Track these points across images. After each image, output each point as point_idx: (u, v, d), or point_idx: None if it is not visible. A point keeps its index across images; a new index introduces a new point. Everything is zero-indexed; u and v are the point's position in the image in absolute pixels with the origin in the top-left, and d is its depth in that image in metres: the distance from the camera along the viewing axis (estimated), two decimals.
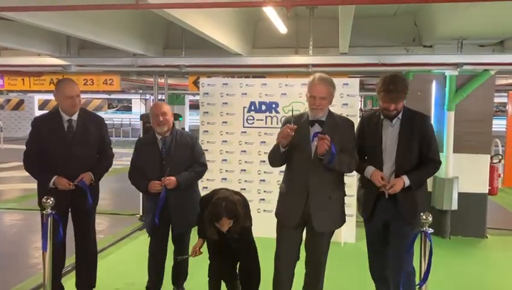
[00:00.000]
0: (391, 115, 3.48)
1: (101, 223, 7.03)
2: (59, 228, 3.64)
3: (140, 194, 7.05)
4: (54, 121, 3.87)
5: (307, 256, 3.53)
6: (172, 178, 3.84)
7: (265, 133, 6.27)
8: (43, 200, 3.55)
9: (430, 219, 3.18)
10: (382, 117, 3.54)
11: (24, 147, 3.92)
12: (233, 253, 3.76)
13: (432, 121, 6.42)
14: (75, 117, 3.88)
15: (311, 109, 3.45)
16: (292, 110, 3.61)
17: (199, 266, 4.05)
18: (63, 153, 3.78)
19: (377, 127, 3.54)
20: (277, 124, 6.22)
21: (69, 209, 3.98)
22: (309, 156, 3.39)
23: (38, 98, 23.90)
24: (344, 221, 3.61)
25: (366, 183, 3.59)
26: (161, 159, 3.94)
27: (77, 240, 4.07)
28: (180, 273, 4.29)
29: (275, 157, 3.50)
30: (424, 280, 3.20)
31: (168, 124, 3.97)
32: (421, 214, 3.21)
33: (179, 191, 3.89)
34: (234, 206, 3.42)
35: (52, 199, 3.54)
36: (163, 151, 3.96)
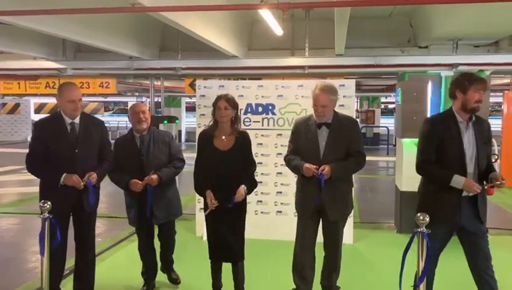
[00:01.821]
0: (478, 109, 3.49)
1: (98, 227, 6.95)
2: (56, 232, 3.62)
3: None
4: (57, 124, 3.92)
5: (324, 241, 3.99)
6: (155, 176, 4.11)
7: (262, 135, 6.27)
8: (40, 204, 3.54)
9: (427, 219, 3.19)
10: (460, 120, 3.52)
11: (21, 150, 3.93)
12: (230, 216, 3.83)
13: None
14: (77, 120, 3.94)
15: (315, 115, 3.85)
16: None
17: (204, 265, 4.10)
18: (69, 155, 3.83)
19: (456, 131, 3.50)
20: (274, 125, 6.23)
21: (71, 212, 3.98)
22: (318, 157, 3.79)
23: (34, 101, 23.82)
24: (352, 207, 4.14)
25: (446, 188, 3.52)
26: (140, 156, 4.22)
27: (78, 243, 4.06)
28: (167, 261, 4.61)
29: (293, 171, 4.06)
30: (421, 280, 3.21)
31: (147, 122, 4.26)
32: (418, 214, 3.22)
33: (161, 186, 4.19)
34: (233, 97, 3.89)
35: (49, 202, 3.53)
36: (142, 148, 4.23)
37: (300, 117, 4.15)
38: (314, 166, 3.71)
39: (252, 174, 3.98)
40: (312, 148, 3.83)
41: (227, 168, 3.78)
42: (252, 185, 3.94)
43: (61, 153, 3.84)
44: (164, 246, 4.54)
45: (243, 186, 3.79)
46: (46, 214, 3.54)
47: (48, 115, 4.22)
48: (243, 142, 3.89)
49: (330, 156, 3.79)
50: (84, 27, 5.54)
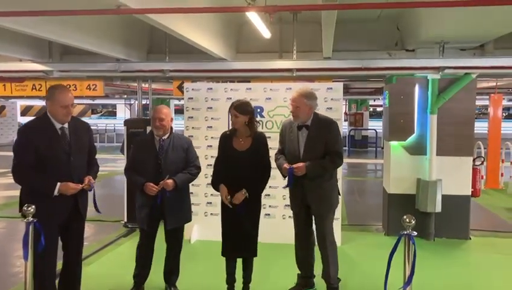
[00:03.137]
0: None
1: (85, 230, 6.95)
2: (41, 236, 3.56)
3: (125, 200, 7.03)
4: (47, 130, 3.69)
5: (316, 235, 4.41)
6: (170, 181, 4.15)
7: None
8: (24, 208, 3.48)
9: (414, 222, 3.21)
10: None
11: (7, 153, 3.84)
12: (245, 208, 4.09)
13: (415, 125, 6.52)
14: (66, 125, 3.76)
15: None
16: None
17: (191, 267, 4.10)
18: (64, 162, 3.67)
19: None
20: (262, 128, 6.22)
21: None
22: (298, 156, 4.21)
23: (20, 103, 23.59)
24: (338, 202, 4.46)
25: None
26: (157, 159, 4.24)
27: (68, 251, 3.91)
28: (172, 273, 4.53)
29: (279, 170, 4.40)
30: (408, 282, 3.22)
31: (164, 128, 4.26)
32: (404, 217, 3.23)
33: (176, 191, 4.21)
34: (245, 103, 4.16)
35: (33, 206, 3.47)
36: (161, 152, 4.25)
37: (286, 119, 4.53)
38: (288, 165, 4.16)
39: (259, 177, 4.18)
40: (293, 148, 4.28)
41: (244, 167, 4.09)
42: (258, 188, 4.19)
43: (55, 161, 3.65)
44: (171, 250, 4.49)
45: (243, 191, 4.05)
46: (30, 218, 3.49)
47: (33, 118, 3.93)
48: (259, 142, 4.20)
49: (308, 156, 4.18)
50: (71, 29, 5.48)
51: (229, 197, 4.07)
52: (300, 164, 4.11)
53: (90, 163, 3.96)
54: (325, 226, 4.32)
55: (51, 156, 3.64)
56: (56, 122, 3.72)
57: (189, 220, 4.54)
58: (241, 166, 4.10)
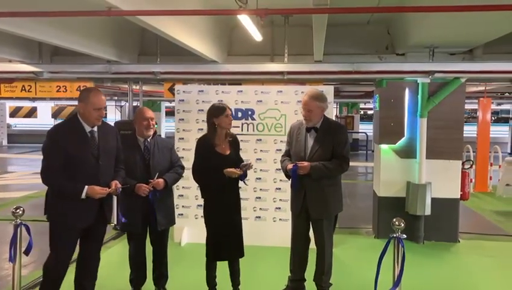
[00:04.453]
0: None
1: None
2: (30, 238, 3.54)
3: (115, 202, 6.98)
4: (77, 133, 3.64)
5: (314, 239, 4.36)
6: (161, 180, 4.19)
7: (241, 140, 6.22)
8: (13, 210, 3.46)
9: (403, 224, 3.23)
10: None
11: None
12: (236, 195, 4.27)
13: (405, 128, 6.57)
14: (95, 128, 3.71)
15: (303, 119, 4.28)
16: None
17: (181, 269, 4.09)
18: (92, 166, 3.63)
19: None
20: (253, 130, 6.24)
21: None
22: (304, 158, 4.18)
23: (9, 105, 23.38)
24: (340, 209, 4.41)
25: None
26: (145, 160, 4.25)
27: (85, 249, 3.86)
28: (161, 275, 4.51)
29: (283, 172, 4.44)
30: (396, 284, 3.24)
31: (153, 129, 4.33)
32: (394, 220, 3.25)
33: (163, 191, 4.24)
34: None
35: (22, 208, 3.46)
36: (147, 153, 4.26)
37: (296, 122, 4.50)
38: (293, 164, 4.14)
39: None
40: (300, 149, 4.25)
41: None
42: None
43: (84, 165, 3.60)
44: (158, 252, 4.46)
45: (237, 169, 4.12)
46: (19, 221, 3.47)
47: (63, 120, 3.92)
48: (235, 144, 4.32)
49: (315, 158, 4.15)
50: (61, 30, 5.45)
51: (237, 169, 4.08)
52: (305, 163, 4.09)
53: (117, 167, 3.95)
54: (323, 232, 4.27)
55: (80, 159, 3.58)
56: (86, 125, 3.66)
57: (174, 222, 4.59)
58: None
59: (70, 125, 3.71)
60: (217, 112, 4.15)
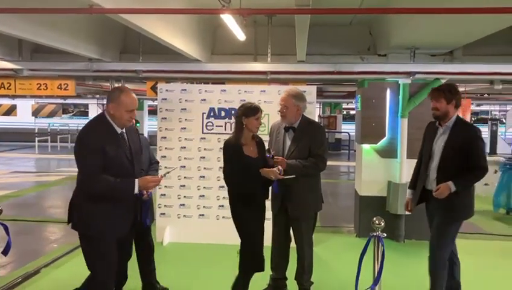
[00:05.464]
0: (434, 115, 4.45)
1: (54, 232, 6.82)
2: (7, 238, 3.49)
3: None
4: (111, 134, 3.36)
5: (293, 238, 4.40)
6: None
7: (224, 140, 6.26)
8: None
9: (383, 223, 3.27)
10: None
11: None
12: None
13: (386, 128, 6.64)
14: (124, 130, 3.45)
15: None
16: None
17: (164, 269, 4.05)
18: (127, 168, 3.40)
19: None
20: None
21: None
22: (283, 156, 4.17)
23: None
24: (319, 208, 4.40)
25: None
26: (130, 154, 3.72)
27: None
28: (149, 269, 4.48)
29: None
30: (375, 282, 3.28)
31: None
32: (374, 219, 3.29)
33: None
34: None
35: (0, 208, 3.40)
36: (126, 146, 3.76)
37: (276, 121, 4.51)
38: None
39: None
40: (279, 148, 4.29)
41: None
42: None
43: (120, 167, 3.35)
44: (146, 252, 4.43)
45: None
46: None
47: (91, 122, 3.50)
48: (261, 145, 4.15)
49: (292, 157, 4.18)
50: (42, 27, 5.39)
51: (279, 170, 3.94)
52: (280, 158, 4.07)
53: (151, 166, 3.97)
54: (302, 231, 4.31)
55: (115, 162, 3.32)
56: (117, 128, 3.39)
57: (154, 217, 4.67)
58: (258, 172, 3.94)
59: (102, 127, 3.37)
60: (248, 112, 3.92)
